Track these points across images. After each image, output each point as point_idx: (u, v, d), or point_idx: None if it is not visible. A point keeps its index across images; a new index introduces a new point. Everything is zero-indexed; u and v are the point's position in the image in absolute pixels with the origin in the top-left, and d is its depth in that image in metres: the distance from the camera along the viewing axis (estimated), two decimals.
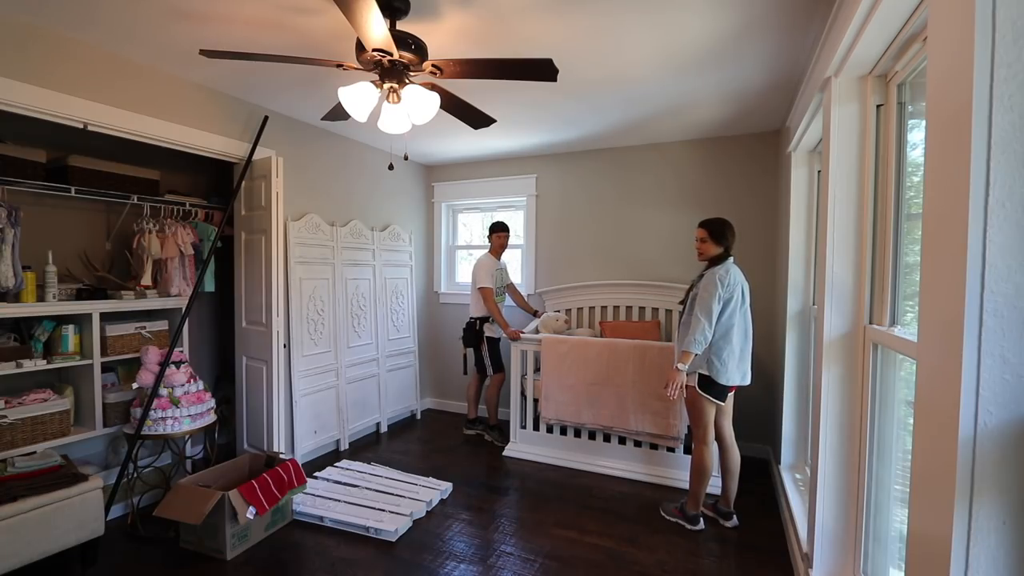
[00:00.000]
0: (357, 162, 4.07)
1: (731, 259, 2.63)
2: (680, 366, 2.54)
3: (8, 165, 2.50)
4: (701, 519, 2.71)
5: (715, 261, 2.62)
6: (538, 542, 2.57)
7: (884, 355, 1.74)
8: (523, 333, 3.72)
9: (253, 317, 3.24)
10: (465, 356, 4.06)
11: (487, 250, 4.08)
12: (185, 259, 3.13)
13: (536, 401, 3.64)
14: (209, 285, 3.35)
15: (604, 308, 4.18)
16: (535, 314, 4.16)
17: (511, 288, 4.16)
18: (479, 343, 3.93)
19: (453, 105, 2.35)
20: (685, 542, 2.58)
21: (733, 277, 2.54)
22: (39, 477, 2.17)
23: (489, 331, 3.93)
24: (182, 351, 2.94)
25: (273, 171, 3.07)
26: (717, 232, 2.63)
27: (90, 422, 2.69)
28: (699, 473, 2.66)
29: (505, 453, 3.70)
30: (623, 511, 2.89)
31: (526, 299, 4.29)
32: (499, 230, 4.02)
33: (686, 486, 3.11)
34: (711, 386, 2.56)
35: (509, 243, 4.14)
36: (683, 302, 2.75)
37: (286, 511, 2.69)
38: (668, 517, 2.79)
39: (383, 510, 2.77)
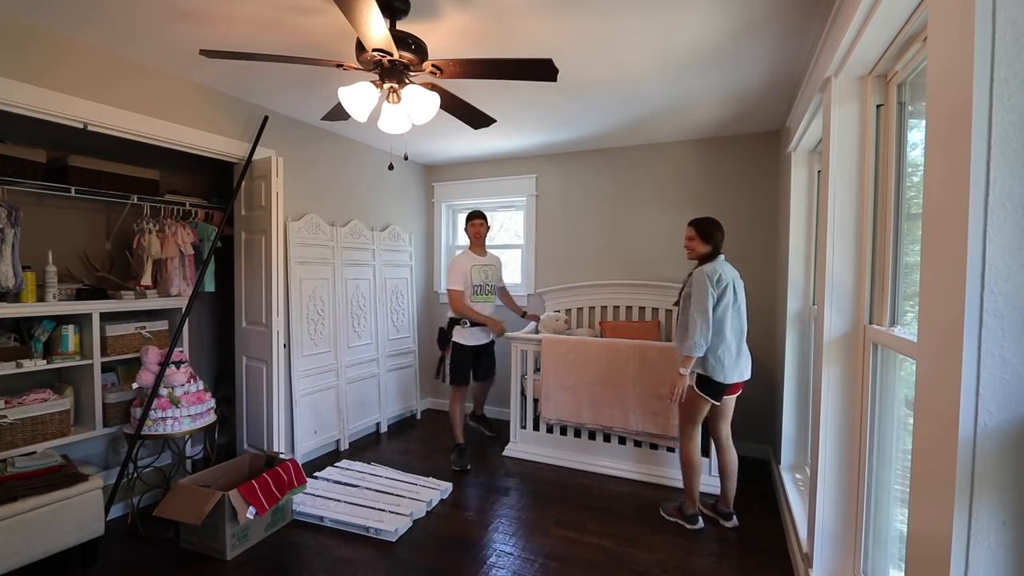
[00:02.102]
0: (357, 162, 4.07)
1: (721, 256, 2.63)
2: (683, 371, 2.54)
3: (8, 165, 2.49)
4: (700, 518, 2.71)
5: (704, 260, 2.62)
6: (538, 542, 2.57)
7: (884, 355, 1.74)
8: (525, 331, 3.65)
9: (253, 317, 3.24)
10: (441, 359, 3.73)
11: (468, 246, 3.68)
12: (185, 259, 3.13)
13: (536, 401, 3.64)
14: (209, 285, 3.35)
15: (604, 308, 4.18)
16: (523, 315, 4.00)
17: (503, 292, 3.85)
18: (445, 347, 3.61)
19: (453, 105, 2.35)
20: (685, 542, 2.58)
21: (724, 274, 2.54)
22: (39, 477, 2.17)
23: (459, 335, 3.51)
24: (182, 351, 2.94)
25: (273, 171, 3.07)
26: (706, 231, 2.63)
27: (90, 422, 2.69)
28: (689, 468, 2.67)
29: (505, 453, 3.70)
30: (623, 511, 2.89)
31: (516, 302, 4.04)
32: (471, 218, 3.59)
33: None
34: (708, 385, 2.56)
35: (509, 243, 4.08)
36: (677, 303, 2.75)
37: (286, 511, 2.69)
38: (668, 517, 2.79)
39: (383, 510, 2.77)
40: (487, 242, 3.73)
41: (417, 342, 4.72)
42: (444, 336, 3.60)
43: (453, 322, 3.54)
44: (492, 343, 3.71)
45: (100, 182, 2.82)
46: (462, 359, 3.52)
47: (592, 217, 4.28)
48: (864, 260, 1.80)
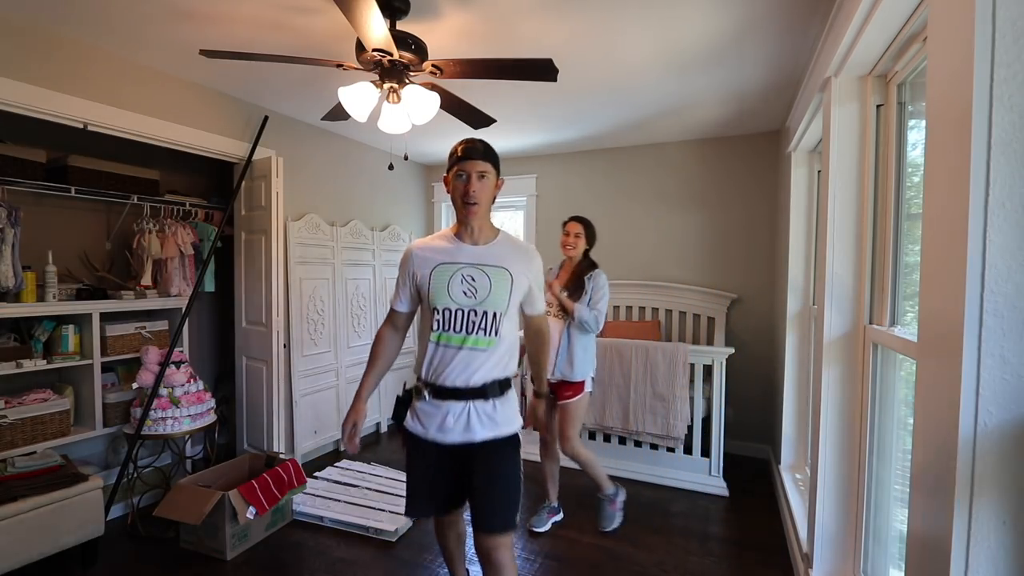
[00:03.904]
0: (357, 162, 4.07)
1: None
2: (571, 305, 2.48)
3: (8, 165, 2.50)
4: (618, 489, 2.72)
5: (584, 260, 2.66)
6: (538, 542, 2.57)
7: (884, 355, 1.74)
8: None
9: (253, 317, 3.24)
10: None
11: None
12: (185, 259, 3.13)
13: None
14: (209, 285, 3.35)
15: None
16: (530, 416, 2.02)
17: (534, 336, 1.82)
18: (399, 428, 1.71)
19: (453, 105, 2.35)
20: (685, 542, 2.58)
21: None
22: (39, 477, 2.17)
23: (412, 417, 1.64)
24: (182, 351, 2.94)
25: (273, 171, 3.07)
26: (592, 230, 2.73)
27: (90, 422, 2.69)
28: (592, 462, 2.66)
29: None
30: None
31: (546, 372, 1.92)
32: (453, 162, 1.58)
33: (686, 486, 3.15)
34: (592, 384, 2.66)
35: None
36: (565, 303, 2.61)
37: (286, 511, 2.69)
38: (612, 526, 2.68)
39: (383, 510, 2.77)
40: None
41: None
42: (400, 409, 1.69)
43: (416, 380, 1.67)
44: (509, 440, 1.60)
45: (100, 182, 2.82)
46: (417, 464, 1.65)
47: (592, 217, 4.24)
48: (864, 260, 1.80)
